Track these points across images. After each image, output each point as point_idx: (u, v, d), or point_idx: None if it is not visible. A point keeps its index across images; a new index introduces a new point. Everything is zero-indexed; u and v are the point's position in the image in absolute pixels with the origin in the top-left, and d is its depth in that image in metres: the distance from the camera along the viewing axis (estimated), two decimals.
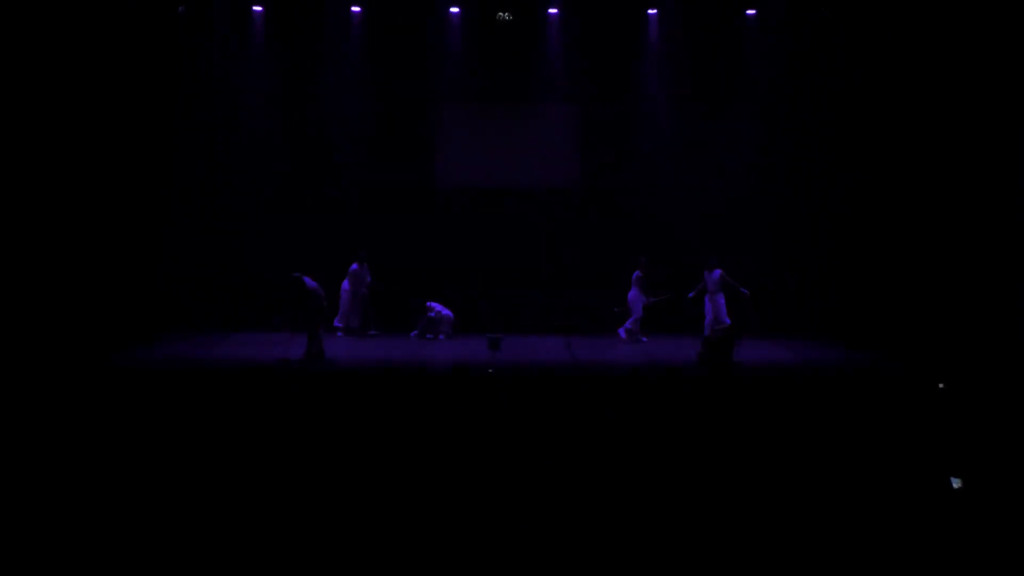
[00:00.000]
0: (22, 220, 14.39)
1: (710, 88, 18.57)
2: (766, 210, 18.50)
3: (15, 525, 5.88)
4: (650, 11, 18.47)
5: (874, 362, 14.25)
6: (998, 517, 6.06)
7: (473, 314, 17.56)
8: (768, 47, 18.23)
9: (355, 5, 18.42)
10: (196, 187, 18.03)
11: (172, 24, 17.09)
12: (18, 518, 5.95)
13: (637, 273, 16.75)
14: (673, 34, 18.46)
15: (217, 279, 18.08)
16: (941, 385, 10.31)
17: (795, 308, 18.03)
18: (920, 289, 15.27)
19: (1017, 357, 13.63)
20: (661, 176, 18.90)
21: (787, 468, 6.85)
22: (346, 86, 18.71)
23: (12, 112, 14.25)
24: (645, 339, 16.60)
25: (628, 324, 16.76)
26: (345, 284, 17.08)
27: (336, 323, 16.89)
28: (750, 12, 18.29)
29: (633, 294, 16.76)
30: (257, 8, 18.28)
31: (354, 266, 17.09)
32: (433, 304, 17.04)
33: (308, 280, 14.47)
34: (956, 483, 6.45)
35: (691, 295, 16.38)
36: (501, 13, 18.63)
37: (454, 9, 18.39)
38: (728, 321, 15.81)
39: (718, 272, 16.04)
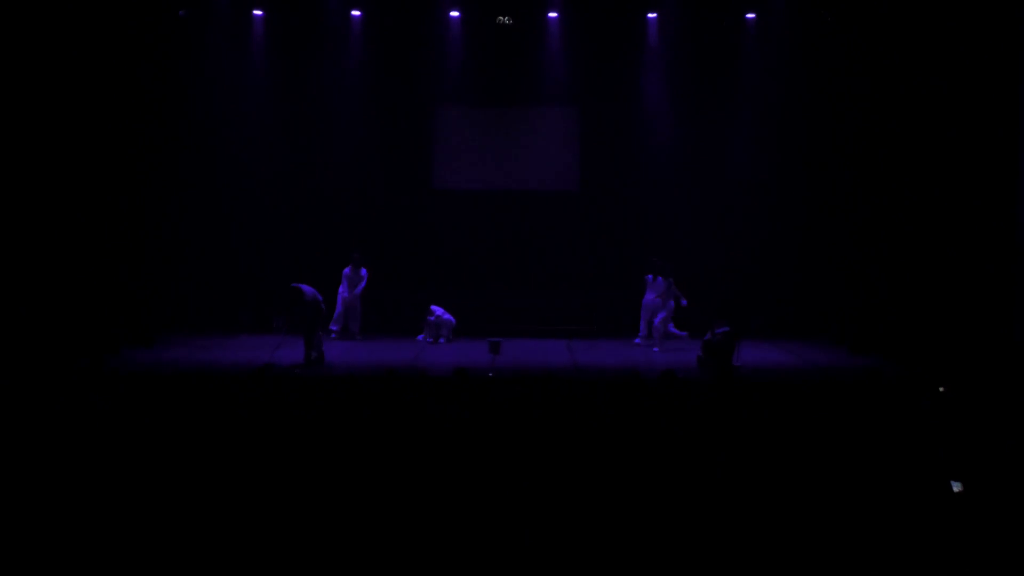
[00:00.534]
0: (21, 221, 14.36)
1: (710, 91, 18.61)
2: (766, 213, 18.52)
3: (11, 530, 5.86)
4: (650, 14, 18.47)
5: (876, 365, 14.22)
6: (999, 521, 6.03)
7: (473, 318, 17.54)
8: (768, 50, 18.26)
9: (355, 9, 18.43)
10: (196, 189, 18.06)
11: (173, 27, 17.09)
12: (14, 524, 5.92)
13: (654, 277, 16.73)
14: (673, 37, 18.47)
15: (216, 281, 18.08)
16: (942, 388, 10.28)
17: (797, 311, 18.03)
18: (922, 292, 15.23)
19: (1017, 360, 13.59)
20: (661, 179, 18.91)
21: (787, 472, 6.82)
22: (345, 89, 18.73)
23: (12, 114, 14.22)
24: (656, 349, 16.57)
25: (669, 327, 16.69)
26: (342, 288, 17.06)
27: (331, 326, 16.83)
28: (750, 16, 18.30)
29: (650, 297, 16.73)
30: (257, 12, 18.31)
31: (347, 269, 17.03)
32: (435, 308, 17.02)
33: (306, 288, 14.44)
34: (956, 487, 6.41)
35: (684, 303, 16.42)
36: (501, 17, 18.65)
37: (454, 13, 18.40)
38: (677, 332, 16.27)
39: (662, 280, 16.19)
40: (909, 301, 15.37)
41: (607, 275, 18.63)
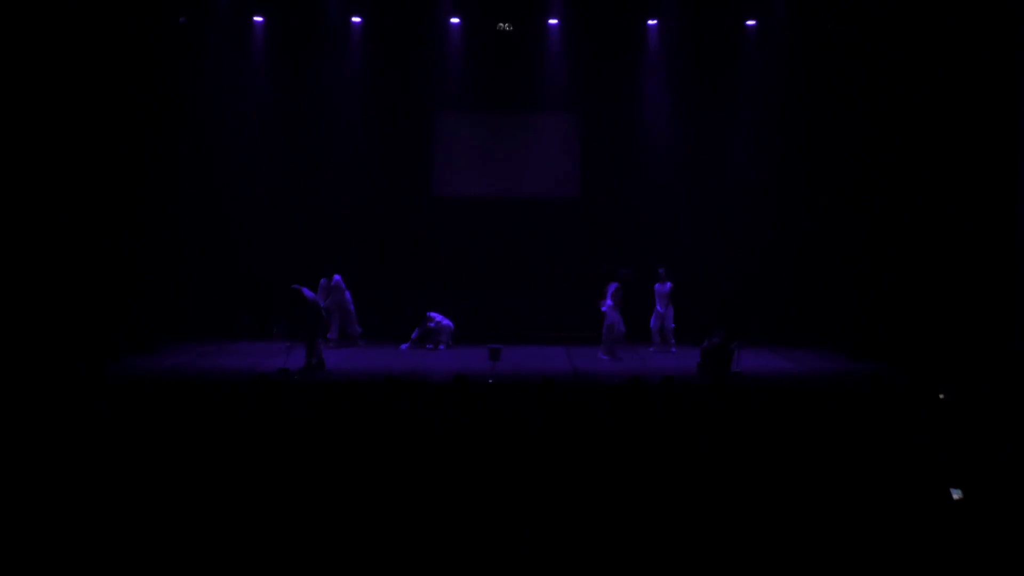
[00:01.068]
0: (22, 227, 14.37)
1: (710, 98, 18.65)
2: (766, 218, 18.53)
3: (12, 536, 5.86)
4: (650, 21, 18.50)
5: (876, 372, 14.22)
6: (999, 528, 6.03)
7: (472, 324, 17.55)
8: (768, 56, 18.29)
9: (356, 15, 18.48)
10: (196, 195, 18.08)
11: (173, 34, 17.11)
12: (14, 529, 5.92)
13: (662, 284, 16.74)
14: (673, 44, 18.51)
15: (217, 288, 18.09)
16: (942, 395, 10.28)
17: (797, 317, 18.03)
18: (922, 299, 15.24)
19: (1017, 367, 13.59)
20: (661, 185, 18.94)
21: (787, 479, 6.82)
22: (345, 95, 18.77)
23: (13, 120, 14.25)
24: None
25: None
26: (347, 295, 17.02)
27: (329, 336, 16.76)
28: (750, 23, 18.34)
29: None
30: (258, 18, 18.35)
31: (322, 280, 16.93)
32: (433, 314, 17.02)
33: (307, 292, 14.47)
34: (956, 494, 6.42)
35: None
36: (501, 24, 18.68)
37: (454, 20, 18.45)
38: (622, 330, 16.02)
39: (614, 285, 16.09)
40: (910, 308, 15.38)
41: (607, 281, 18.60)
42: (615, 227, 19.04)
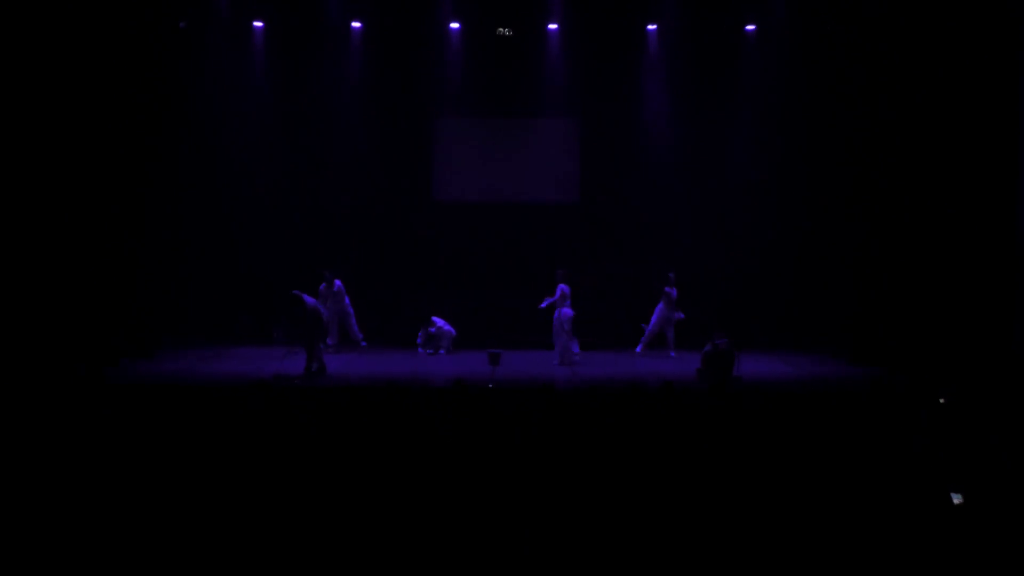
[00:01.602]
0: (22, 233, 14.39)
1: (710, 102, 18.68)
2: (767, 223, 18.54)
3: (10, 542, 5.86)
4: (649, 26, 18.52)
5: (876, 377, 14.22)
6: (999, 532, 6.04)
7: (474, 329, 17.57)
8: (768, 61, 18.31)
9: (355, 20, 18.51)
10: (196, 200, 18.09)
11: (173, 39, 17.13)
12: (12, 536, 5.93)
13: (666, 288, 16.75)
14: (672, 48, 18.53)
15: (216, 292, 18.10)
16: (942, 400, 10.28)
17: (797, 322, 18.04)
18: (922, 303, 15.24)
19: (1017, 370, 13.59)
20: (661, 191, 18.95)
21: (788, 484, 6.82)
22: (345, 100, 18.80)
23: (14, 125, 14.27)
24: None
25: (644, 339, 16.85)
26: (345, 300, 17.00)
27: (328, 341, 16.70)
28: (749, 28, 18.35)
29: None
30: (258, 24, 18.38)
31: (322, 286, 16.90)
32: (435, 319, 17.03)
33: (307, 297, 14.48)
34: (957, 499, 6.42)
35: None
36: (501, 28, 18.71)
37: (454, 24, 18.47)
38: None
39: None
40: (909, 310, 15.39)
41: (608, 287, 18.64)
42: (615, 231, 19.05)
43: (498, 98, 19.00)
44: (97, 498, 6.49)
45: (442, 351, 16.83)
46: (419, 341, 16.98)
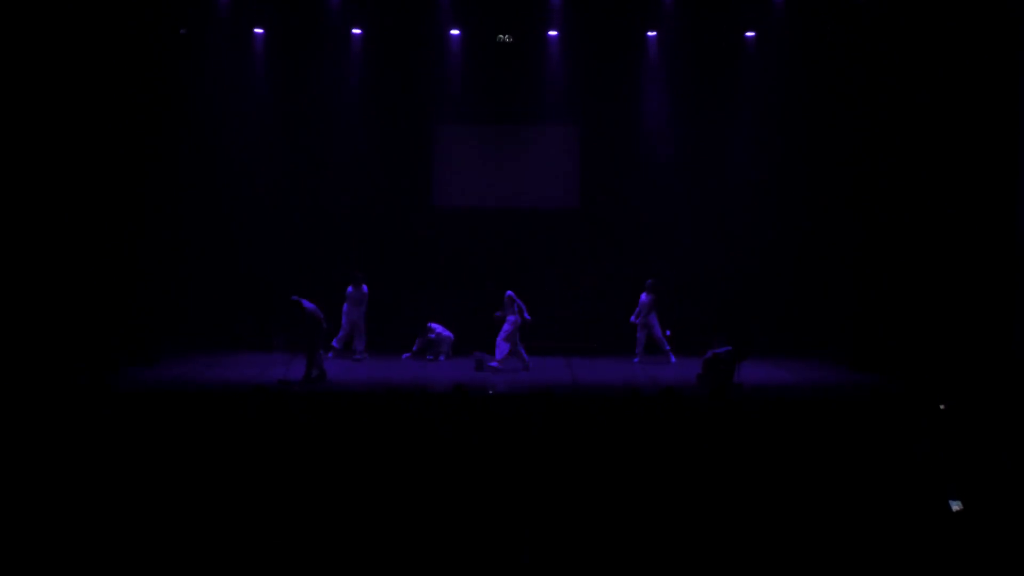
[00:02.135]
0: (23, 241, 14.41)
1: (710, 109, 18.68)
2: (767, 229, 18.55)
3: (10, 549, 5.88)
4: (649, 32, 18.55)
5: (877, 383, 14.24)
6: (999, 539, 6.05)
7: (473, 335, 17.59)
8: (768, 67, 18.31)
9: (356, 27, 18.52)
10: (196, 205, 18.09)
11: (173, 46, 17.15)
12: (12, 544, 5.95)
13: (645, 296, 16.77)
14: (672, 55, 18.56)
15: (217, 299, 18.11)
16: (942, 406, 10.30)
17: (797, 329, 18.05)
18: (923, 310, 15.25)
19: (1017, 376, 13.61)
20: (661, 196, 18.97)
21: (788, 492, 6.84)
22: (346, 106, 18.82)
23: (13, 132, 14.30)
24: (674, 359, 16.70)
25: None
26: (346, 307, 17.00)
27: (333, 343, 16.79)
28: (749, 34, 18.37)
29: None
30: (258, 30, 18.40)
31: (349, 288, 16.97)
32: (434, 325, 17.04)
33: (307, 303, 14.48)
34: (955, 506, 6.43)
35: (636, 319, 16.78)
36: (501, 35, 18.75)
37: (454, 31, 18.49)
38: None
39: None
40: (909, 315, 15.40)
41: (608, 292, 18.67)
42: (615, 237, 19.07)
43: (498, 105, 19.02)
44: (99, 505, 6.51)
45: (441, 357, 16.84)
46: (414, 348, 16.97)
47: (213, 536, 6.05)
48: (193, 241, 18.02)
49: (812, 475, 7.12)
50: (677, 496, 6.71)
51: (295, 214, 18.89)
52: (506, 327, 15.77)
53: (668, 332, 16.91)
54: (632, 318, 16.82)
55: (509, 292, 16.00)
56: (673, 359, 16.68)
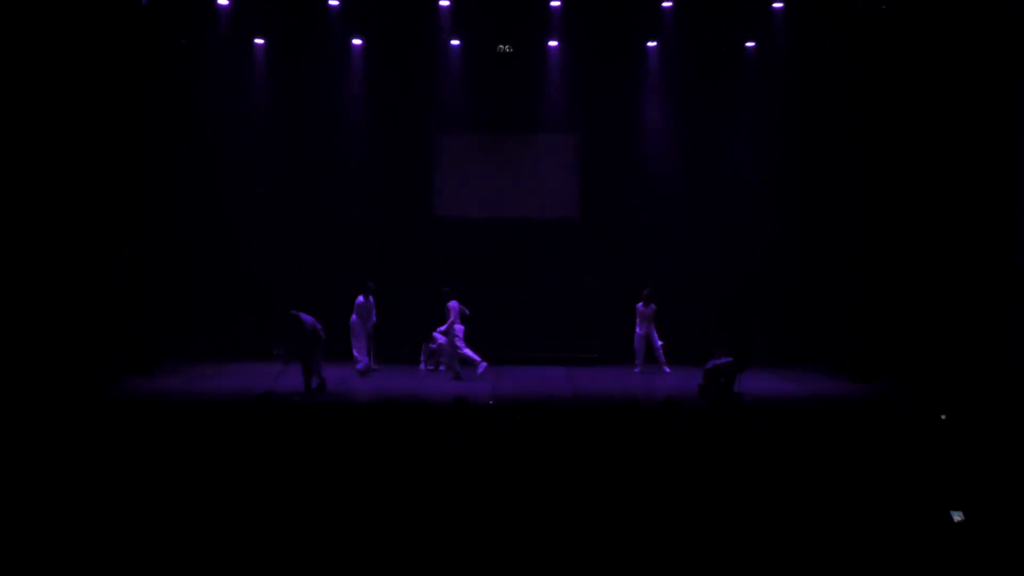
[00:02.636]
0: (22, 250, 14.41)
1: (711, 118, 18.68)
2: (768, 239, 18.52)
3: (11, 558, 5.88)
4: (649, 43, 18.58)
5: (877, 393, 14.22)
6: (1000, 551, 6.05)
7: (474, 345, 17.58)
8: (767, 72, 18.28)
9: (356, 37, 18.54)
10: (197, 218, 18.11)
11: (174, 56, 17.19)
12: (13, 552, 5.94)
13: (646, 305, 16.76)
14: (672, 65, 18.57)
15: (217, 308, 18.10)
16: (944, 416, 10.29)
17: (797, 338, 18.04)
18: (923, 319, 15.25)
19: (1018, 386, 13.60)
20: (662, 207, 18.97)
21: (789, 503, 6.84)
22: (346, 116, 18.82)
23: (14, 139, 14.32)
24: (668, 369, 16.71)
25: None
26: (354, 317, 16.92)
27: (363, 360, 16.49)
28: (749, 44, 18.38)
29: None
30: (259, 40, 18.40)
31: (359, 298, 16.91)
32: (436, 335, 17.02)
33: (305, 316, 14.46)
34: (957, 516, 6.43)
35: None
36: (502, 45, 18.77)
37: (455, 42, 18.50)
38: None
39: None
40: (910, 328, 15.39)
41: (608, 303, 18.65)
42: (615, 248, 19.06)
43: (498, 114, 19.00)
44: (95, 515, 6.51)
45: (442, 367, 16.83)
46: (423, 357, 17.01)
47: (209, 549, 6.05)
48: (194, 249, 18.03)
49: (814, 487, 7.11)
50: (679, 508, 6.70)
51: (296, 222, 18.88)
52: (457, 337, 16.04)
53: (660, 343, 16.87)
54: (639, 330, 16.77)
55: (454, 303, 16.03)
56: (667, 369, 16.67)
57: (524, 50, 18.73)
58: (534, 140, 19.32)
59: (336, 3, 17.87)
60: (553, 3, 17.92)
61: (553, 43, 18.56)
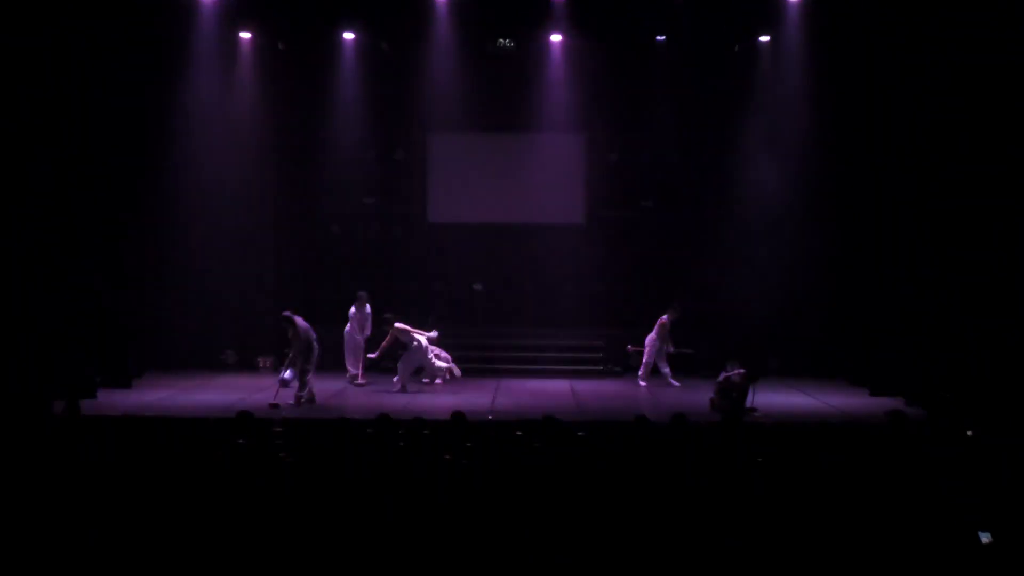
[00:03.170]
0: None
1: (722, 118, 18.57)
2: (783, 245, 18.41)
3: None
4: (659, 37, 18.52)
5: (899, 408, 14.13)
6: None
7: (471, 357, 17.57)
8: (782, 74, 18.14)
9: (347, 31, 18.46)
10: (181, 219, 18.02)
11: (157, 54, 17.10)
12: None
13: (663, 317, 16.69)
14: (684, 60, 18.50)
15: (199, 318, 18.05)
16: (970, 432, 10.24)
17: (815, 350, 17.97)
18: (948, 330, 15.16)
19: None
20: (671, 211, 18.94)
21: (805, 525, 6.79)
22: (336, 115, 18.77)
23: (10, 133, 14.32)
24: (677, 383, 16.64)
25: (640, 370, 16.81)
26: (349, 328, 16.86)
27: (359, 375, 16.57)
28: (763, 39, 18.27)
29: (650, 338, 16.75)
30: (245, 34, 18.27)
31: (352, 309, 16.88)
32: (432, 347, 16.97)
33: (299, 319, 14.46)
34: (985, 538, 6.38)
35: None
36: (502, 40, 18.73)
37: (451, 35, 18.35)
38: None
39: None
40: (936, 340, 15.29)
41: (614, 312, 18.62)
42: (622, 255, 19.03)
43: (497, 113, 18.95)
44: (67, 534, 6.47)
45: (438, 379, 16.77)
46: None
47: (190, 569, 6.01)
48: (173, 258, 17.93)
49: (833, 508, 7.06)
50: (689, 532, 6.66)
51: (282, 232, 18.84)
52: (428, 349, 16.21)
53: (671, 349, 16.85)
54: (668, 348, 16.73)
55: (398, 324, 16.05)
56: (676, 383, 16.63)
57: (525, 45, 18.66)
58: (536, 141, 19.22)
59: None
60: None
61: (556, 37, 18.49)
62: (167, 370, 17.12)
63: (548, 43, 18.58)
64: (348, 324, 16.74)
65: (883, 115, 16.22)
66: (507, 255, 19.23)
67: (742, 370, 13.93)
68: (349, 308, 16.88)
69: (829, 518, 6.85)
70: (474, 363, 17.52)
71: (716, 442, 9.18)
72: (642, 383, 16.72)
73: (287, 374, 14.43)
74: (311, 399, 14.35)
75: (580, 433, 10.00)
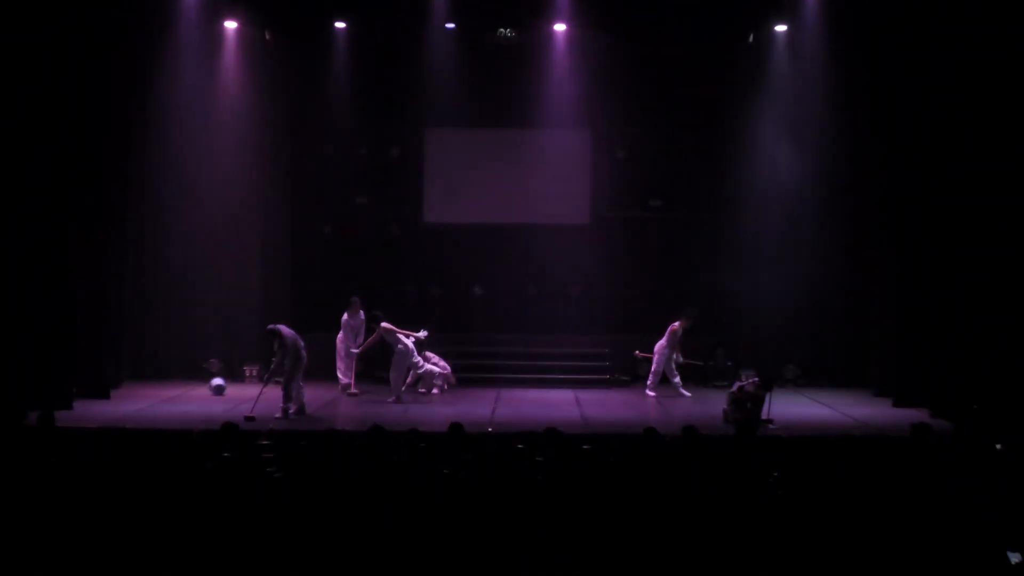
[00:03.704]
0: None
1: (733, 113, 18.51)
2: (800, 248, 18.29)
3: None
4: (668, 27, 18.46)
5: (924, 421, 14.12)
6: None
7: (471, 365, 17.56)
8: (796, 67, 18.02)
9: (339, 20, 18.38)
10: (162, 223, 18.01)
11: (143, 49, 17.04)
12: None
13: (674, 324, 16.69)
14: (692, 53, 18.47)
15: (181, 326, 18.04)
16: (999, 446, 10.23)
17: (835, 358, 17.94)
18: (976, 339, 15.13)
19: None
20: (679, 209, 18.91)
21: (823, 542, 6.79)
22: (328, 110, 18.76)
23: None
24: (688, 394, 16.65)
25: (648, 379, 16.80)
26: (342, 337, 16.85)
27: (350, 386, 16.57)
28: (780, 28, 18.14)
29: (660, 345, 16.74)
30: (230, 24, 18.18)
31: (345, 315, 16.88)
32: (429, 354, 16.97)
33: (285, 330, 14.47)
34: (1015, 558, 6.37)
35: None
36: (503, 29, 18.70)
37: (449, 24, 18.29)
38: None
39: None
40: (962, 349, 15.26)
41: (621, 318, 18.60)
42: (629, 257, 19.02)
43: (497, 108, 18.91)
44: (43, 553, 6.47)
45: (435, 390, 16.76)
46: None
47: None
48: (154, 263, 17.90)
49: (854, 527, 7.04)
50: (702, 552, 6.66)
51: (270, 235, 18.83)
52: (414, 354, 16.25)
53: (680, 359, 16.85)
54: (666, 351, 16.72)
55: (385, 324, 16.09)
56: (686, 393, 16.60)
57: (527, 35, 18.63)
58: (539, 137, 19.19)
59: None
60: None
61: (560, 27, 18.44)
62: (147, 379, 17.13)
63: (552, 33, 18.52)
64: (340, 331, 16.78)
65: (909, 106, 16.11)
66: (508, 257, 19.22)
67: (756, 379, 13.91)
68: (341, 314, 16.88)
69: (850, 538, 6.84)
70: (473, 371, 17.49)
71: (728, 456, 9.16)
72: (650, 393, 16.69)
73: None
74: (301, 410, 14.35)
75: (585, 446, 10.02)
